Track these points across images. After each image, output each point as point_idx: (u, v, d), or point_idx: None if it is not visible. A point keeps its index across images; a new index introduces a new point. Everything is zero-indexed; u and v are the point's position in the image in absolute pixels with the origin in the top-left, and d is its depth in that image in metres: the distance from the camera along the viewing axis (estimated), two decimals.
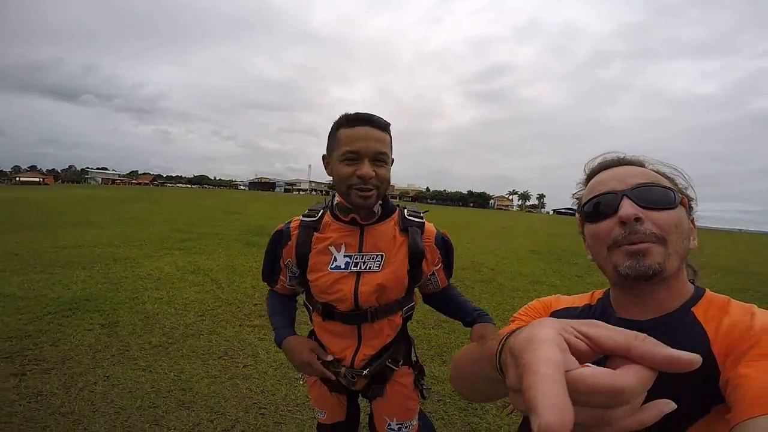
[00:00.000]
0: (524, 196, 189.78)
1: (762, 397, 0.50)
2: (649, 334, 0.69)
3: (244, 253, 7.85)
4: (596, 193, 0.75)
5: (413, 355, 1.39)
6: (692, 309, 0.69)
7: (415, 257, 1.21)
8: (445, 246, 1.29)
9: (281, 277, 1.31)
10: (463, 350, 0.78)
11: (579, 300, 0.89)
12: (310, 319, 1.33)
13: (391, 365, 1.26)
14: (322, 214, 1.25)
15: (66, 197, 25.00)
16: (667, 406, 0.35)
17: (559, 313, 0.87)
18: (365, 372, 1.21)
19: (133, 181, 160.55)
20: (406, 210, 1.27)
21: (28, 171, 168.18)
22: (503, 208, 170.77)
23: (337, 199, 1.20)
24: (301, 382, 1.44)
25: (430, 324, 4.20)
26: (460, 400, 2.73)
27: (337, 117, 1.13)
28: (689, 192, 0.76)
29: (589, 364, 0.34)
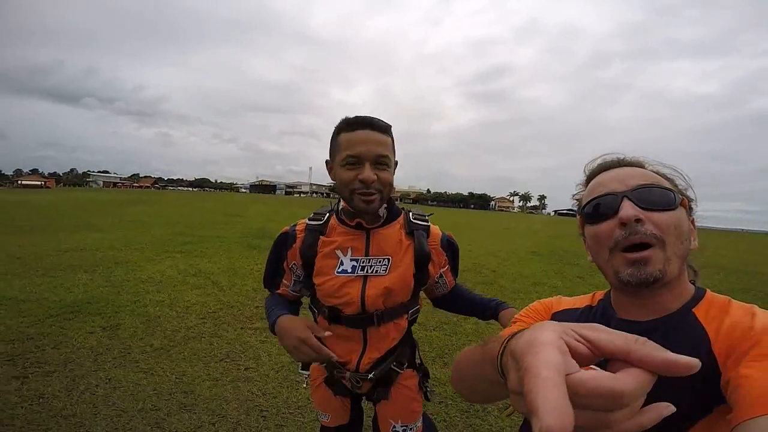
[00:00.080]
0: (525, 198, 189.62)
1: (763, 397, 0.50)
2: (649, 335, 0.69)
3: (245, 255, 7.86)
4: (596, 195, 0.75)
5: (417, 357, 1.39)
6: (693, 310, 0.69)
7: (422, 260, 1.20)
8: (451, 248, 1.30)
9: (284, 280, 1.29)
10: (464, 352, 0.78)
11: (580, 301, 0.89)
12: (315, 322, 1.32)
13: (395, 368, 1.26)
14: (328, 217, 1.24)
15: (67, 200, 25.05)
16: (667, 409, 0.35)
17: (559, 315, 0.87)
18: (370, 375, 1.21)
19: (135, 185, 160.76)
20: (411, 213, 1.26)
21: (29, 174, 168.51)
22: (504, 209, 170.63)
23: (342, 203, 1.20)
24: (304, 385, 1.42)
25: (431, 326, 4.20)
26: (462, 402, 2.73)
27: (337, 119, 1.13)
28: (689, 193, 0.76)
29: (594, 367, 0.34)
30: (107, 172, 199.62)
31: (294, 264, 1.25)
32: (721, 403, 0.58)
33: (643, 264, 0.67)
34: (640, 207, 0.69)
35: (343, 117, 1.13)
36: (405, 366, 1.29)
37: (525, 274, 7.77)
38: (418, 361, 1.38)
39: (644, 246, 0.68)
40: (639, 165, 0.77)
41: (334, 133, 1.14)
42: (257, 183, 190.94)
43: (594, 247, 0.76)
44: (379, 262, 1.17)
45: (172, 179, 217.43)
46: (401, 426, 1.30)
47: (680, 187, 0.76)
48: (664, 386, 0.63)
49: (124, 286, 5.16)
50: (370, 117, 1.10)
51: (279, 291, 1.33)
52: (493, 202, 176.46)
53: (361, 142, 1.07)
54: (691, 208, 0.76)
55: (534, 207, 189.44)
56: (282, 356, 3.36)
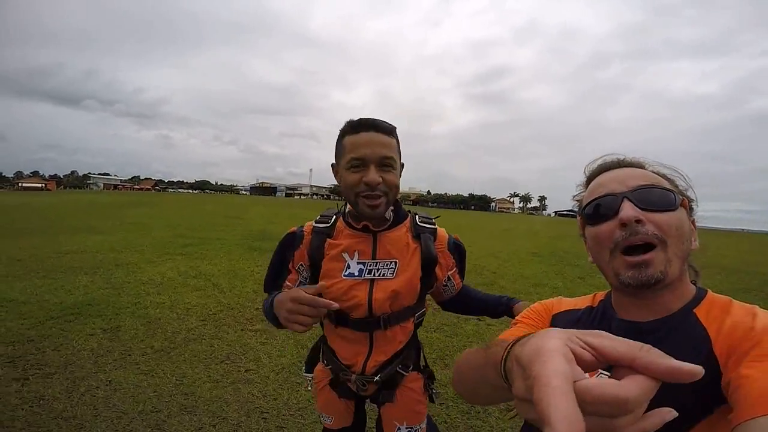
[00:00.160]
0: (525, 199, 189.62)
1: (763, 397, 0.50)
2: (650, 336, 0.70)
3: (245, 257, 7.86)
4: (596, 196, 0.75)
5: (422, 359, 1.38)
6: (694, 310, 0.69)
7: (429, 264, 1.20)
8: (458, 250, 1.30)
9: (288, 282, 1.27)
10: (465, 354, 0.78)
11: (581, 302, 0.89)
12: (321, 325, 1.32)
13: (401, 371, 1.26)
14: (335, 220, 1.23)
15: (68, 203, 25.08)
16: (669, 414, 0.35)
17: (560, 316, 0.87)
18: (376, 378, 1.20)
19: (135, 187, 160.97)
20: (417, 216, 1.26)
21: (30, 177, 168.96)
22: (504, 210, 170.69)
23: (349, 206, 1.20)
24: (309, 388, 1.42)
25: (431, 327, 4.20)
26: (463, 404, 2.72)
27: (337, 121, 1.13)
28: (689, 193, 0.76)
29: (603, 372, 0.34)
30: (108, 174, 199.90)
31: (301, 265, 1.23)
32: (722, 403, 0.58)
33: (644, 266, 0.67)
34: (641, 208, 0.69)
35: (348, 119, 1.13)
36: (410, 368, 1.29)
37: (525, 275, 7.77)
38: (422, 363, 1.38)
39: (645, 247, 0.68)
40: (639, 166, 0.77)
41: (338, 136, 1.14)
42: (257, 185, 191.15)
43: (594, 248, 0.76)
44: (386, 265, 1.16)
45: (173, 181, 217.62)
46: (406, 428, 1.29)
47: (681, 187, 0.76)
48: (665, 387, 0.63)
49: (124, 288, 5.16)
50: (374, 119, 1.10)
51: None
52: (493, 204, 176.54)
53: (365, 144, 1.06)
54: (691, 209, 0.76)
55: (534, 208, 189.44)
56: (282, 358, 3.36)
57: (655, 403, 0.63)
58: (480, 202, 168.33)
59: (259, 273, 6.47)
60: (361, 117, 1.11)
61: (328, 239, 1.20)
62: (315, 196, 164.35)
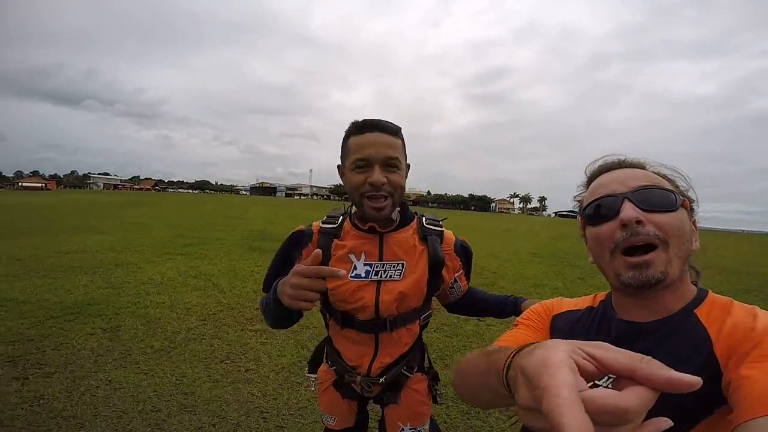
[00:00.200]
0: (525, 199, 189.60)
1: (763, 397, 0.50)
2: (651, 336, 0.70)
3: (245, 257, 7.87)
4: (597, 196, 0.75)
5: (426, 361, 1.38)
6: (695, 311, 0.69)
7: (436, 266, 1.19)
8: (465, 253, 1.29)
9: None
10: (467, 358, 0.78)
11: (581, 302, 0.89)
12: (326, 326, 1.31)
13: (405, 372, 1.25)
14: (342, 221, 1.22)
15: (68, 202, 25.09)
16: (665, 423, 0.36)
17: (560, 317, 0.88)
18: (381, 380, 1.20)
19: (135, 187, 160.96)
20: (424, 218, 1.25)
21: (30, 176, 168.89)
22: (504, 211, 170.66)
23: (355, 207, 1.19)
24: (313, 388, 1.39)
25: (431, 328, 4.20)
26: (463, 404, 2.72)
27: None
28: (690, 194, 0.76)
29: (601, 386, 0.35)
30: (108, 174, 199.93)
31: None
32: (722, 404, 0.58)
33: (644, 267, 0.67)
34: (641, 208, 0.69)
35: (353, 120, 1.12)
36: (415, 370, 1.29)
37: (525, 276, 7.77)
38: (426, 364, 1.38)
39: (646, 248, 0.68)
40: (640, 166, 0.77)
41: (344, 137, 1.13)
42: (257, 185, 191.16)
43: (595, 249, 0.76)
44: (393, 267, 1.16)
45: (173, 181, 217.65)
46: (410, 429, 1.29)
47: (681, 188, 0.76)
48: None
49: (124, 288, 5.16)
50: (378, 119, 1.09)
51: None
52: (493, 204, 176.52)
53: (370, 144, 1.06)
54: (692, 209, 0.76)
55: (534, 208, 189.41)
56: (282, 358, 3.36)
57: (656, 403, 0.63)
58: (480, 203, 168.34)
59: (259, 273, 6.47)
60: (366, 118, 1.10)
61: (335, 240, 1.19)
62: (315, 197, 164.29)
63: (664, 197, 0.70)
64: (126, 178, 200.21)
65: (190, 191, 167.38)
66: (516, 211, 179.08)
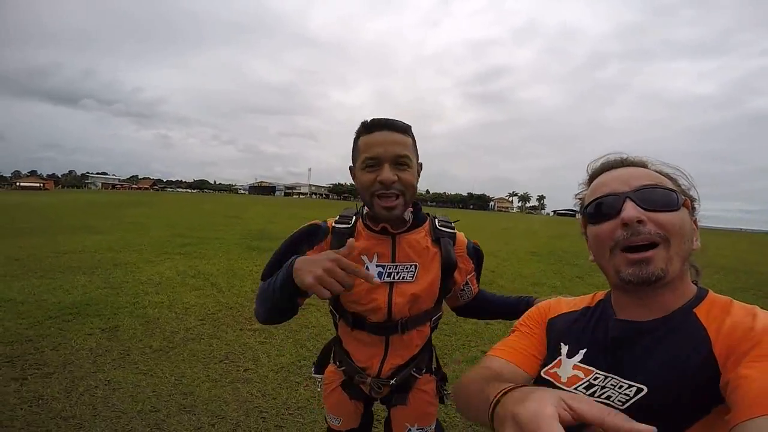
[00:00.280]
0: (524, 198, 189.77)
1: (761, 397, 0.50)
2: (650, 335, 0.70)
3: (244, 257, 7.86)
4: (599, 195, 0.75)
5: (434, 362, 1.37)
6: (694, 310, 0.69)
7: (449, 268, 1.18)
8: (477, 255, 1.29)
9: None
10: (466, 381, 0.80)
11: (579, 302, 0.90)
12: (335, 326, 1.30)
13: (414, 373, 1.25)
14: (355, 221, 1.20)
15: (66, 202, 25.04)
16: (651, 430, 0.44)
17: (556, 320, 0.88)
18: (392, 382, 1.20)
19: (133, 186, 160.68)
20: (437, 220, 1.24)
21: (28, 176, 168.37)
22: (503, 209, 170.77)
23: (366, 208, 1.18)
24: (319, 389, 1.39)
25: None
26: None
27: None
28: (692, 193, 0.76)
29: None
30: (106, 173, 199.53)
31: None
32: (720, 403, 0.58)
33: (645, 263, 0.67)
34: (643, 208, 0.69)
35: (362, 121, 1.11)
36: (423, 371, 1.28)
37: (524, 275, 7.78)
38: (434, 365, 1.37)
39: (647, 246, 0.68)
40: (642, 165, 0.77)
41: (354, 138, 1.13)
42: (256, 184, 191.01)
43: (595, 247, 0.76)
44: (406, 268, 1.14)
45: (171, 181, 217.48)
46: (417, 429, 1.29)
47: (683, 187, 0.76)
48: (665, 387, 0.63)
49: (123, 288, 5.15)
50: (388, 118, 1.08)
51: None
52: (492, 203, 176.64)
53: (379, 143, 1.05)
54: (694, 208, 0.76)
55: (533, 207, 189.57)
56: (281, 357, 3.36)
57: (654, 401, 0.63)
58: (479, 202, 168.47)
59: (257, 272, 6.45)
60: (375, 117, 1.09)
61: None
62: (314, 196, 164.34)
63: (665, 197, 0.70)
64: (124, 178, 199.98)
65: (189, 191, 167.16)
66: (515, 210, 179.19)
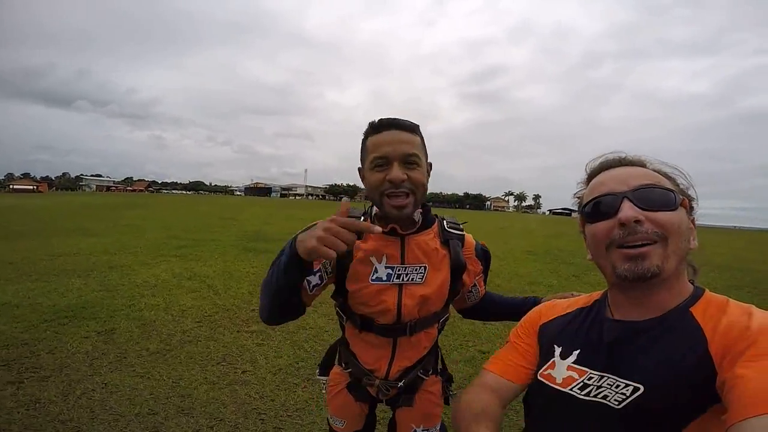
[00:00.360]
0: (520, 197, 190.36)
1: (757, 397, 0.50)
2: (646, 334, 0.71)
3: (240, 258, 7.84)
4: (597, 194, 0.76)
5: (440, 363, 1.37)
6: (690, 309, 0.69)
7: (458, 270, 1.18)
8: (485, 257, 1.29)
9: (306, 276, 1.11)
10: (464, 404, 0.84)
11: (575, 303, 0.91)
12: (342, 328, 1.30)
13: (421, 375, 1.25)
14: (363, 221, 1.15)
15: (60, 205, 24.88)
16: None
17: (549, 324, 0.90)
18: (400, 384, 1.20)
19: (128, 188, 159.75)
20: (445, 221, 1.23)
21: (21, 178, 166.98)
22: (499, 209, 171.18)
23: (376, 208, 1.16)
24: (323, 391, 1.38)
25: None
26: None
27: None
28: (690, 192, 0.76)
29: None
30: (100, 175, 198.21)
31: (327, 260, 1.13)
32: (716, 402, 0.58)
33: (641, 259, 0.68)
34: (640, 207, 0.69)
35: (369, 121, 1.10)
36: (430, 372, 1.28)
37: (521, 274, 7.80)
38: (440, 366, 1.37)
39: (644, 243, 0.68)
40: (641, 164, 0.77)
41: (362, 139, 1.12)
42: (252, 185, 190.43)
43: (592, 246, 0.77)
44: (416, 270, 1.13)
45: (166, 182, 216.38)
46: (422, 430, 1.29)
47: (682, 186, 0.76)
48: (661, 386, 0.64)
49: (118, 291, 5.13)
50: (395, 118, 1.08)
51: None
52: (488, 202, 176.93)
53: (387, 142, 1.04)
54: (692, 208, 0.76)
55: (529, 206, 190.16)
56: (279, 359, 3.35)
57: (651, 402, 0.64)
58: (475, 201, 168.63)
59: (254, 274, 6.46)
60: (382, 117, 1.08)
61: (357, 241, 1.13)
62: (310, 197, 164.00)
63: (663, 196, 0.70)
64: (119, 180, 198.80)
65: (184, 192, 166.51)
66: (511, 210, 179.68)
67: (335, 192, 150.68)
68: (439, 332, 1.29)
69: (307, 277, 1.09)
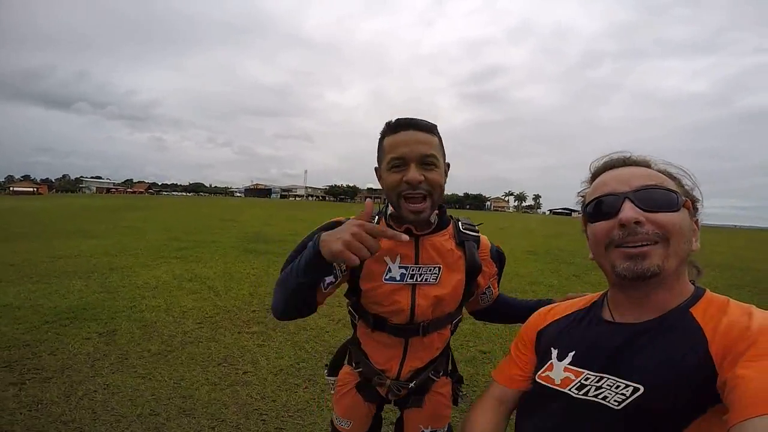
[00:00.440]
0: (520, 197, 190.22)
1: (758, 397, 0.50)
2: (645, 335, 0.72)
3: (241, 260, 7.85)
4: (599, 194, 0.76)
5: (451, 364, 1.37)
6: (691, 309, 0.69)
7: (473, 272, 1.18)
8: (500, 259, 1.29)
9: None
10: (473, 421, 0.90)
11: (574, 305, 0.92)
12: (353, 327, 1.29)
13: (432, 376, 1.24)
14: (377, 220, 1.17)
15: (61, 207, 24.88)
16: None
17: (546, 329, 0.91)
18: (411, 384, 1.19)
19: (128, 190, 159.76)
20: (461, 223, 1.23)
21: (21, 180, 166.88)
22: (499, 209, 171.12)
23: (391, 207, 1.15)
24: (332, 391, 1.37)
25: None
26: (462, 403, 2.73)
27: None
28: (695, 193, 0.76)
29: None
30: (100, 177, 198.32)
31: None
32: (716, 403, 0.58)
33: (640, 258, 0.68)
34: (642, 208, 0.69)
35: (387, 121, 1.10)
36: (441, 374, 1.28)
37: (521, 274, 7.80)
38: (450, 367, 1.37)
39: (644, 245, 0.69)
40: (645, 164, 0.77)
41: (379, 138, 1.11)
42: (252, 187, 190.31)
43: (593, 245, 0.77)
44: (430, 270, 1.12)
45: (166, 184, 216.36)
46: (430, 431, 1.28)
47: (687, 187, 0.76)
48: (661, 386, 0.64)
49: (119, 292, 5.14)
50: (413, 118, 1.07)
51: None
52: (488, 203, 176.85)
53: (405, 143, 1.03)
54: (696, 209, 0.76)
55: (529, 206, 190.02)
56: (280, 360, 3.36)
57: (651, 403, 0.64)
58: (475, 201, 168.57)
59: (255, 275, 6.47)
60: (400, 117, 1.07)
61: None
62: (310, 198, 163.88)
63: (665, 197, 0.70)
64: (119, 182, 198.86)
65: (185, 194, 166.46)
66: (511, 210, 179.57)
67: (335, 193, 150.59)
68: (452, 333, 1.29)
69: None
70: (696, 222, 0.76)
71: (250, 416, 2.54)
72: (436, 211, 1.14)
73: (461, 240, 1.18)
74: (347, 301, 1.25)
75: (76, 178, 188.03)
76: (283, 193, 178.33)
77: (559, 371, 0.79)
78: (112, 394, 2.70)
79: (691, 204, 0.74)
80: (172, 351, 3.44)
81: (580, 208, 0.85)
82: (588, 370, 0.74)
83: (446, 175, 1.11)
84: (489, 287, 1.28)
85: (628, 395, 0.66)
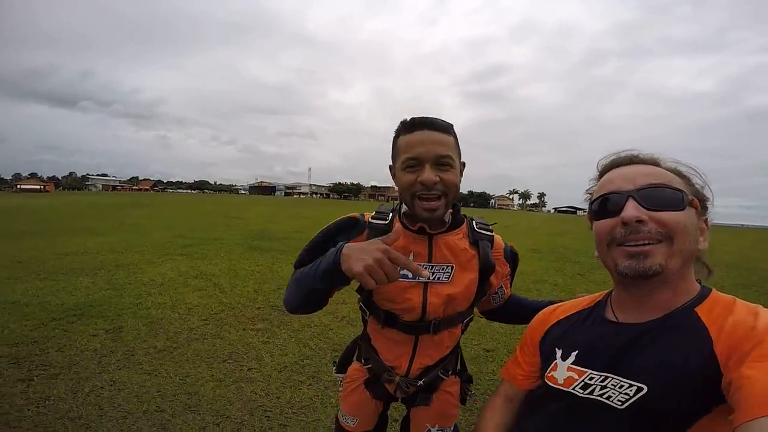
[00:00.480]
0: (525, 195, 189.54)
1: (764, 397, 0.50)
2: (648, 335, 0.72)
3: (246, 257, 7.88)
4: (604, 192, 0.76)
5: (460, 364, 1.37)
6: (696, 309, 0.69)
7: (486, 271, 1.17)
8: (513, 258, 1.28)
9: None
10: (485, 420, 0.93)
11: (578, 304, 0.92)
12: (363, 323, 1.28)
13: (441, 375, 1.24)
14: (391, 218, 1.16)
15: (67, 204, 25.07)
16: None
17: (551, 329, 0.91)
18: (420, 382, 1.19)
19: (134, 188, 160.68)
20: (475, 222, 1.22)
21: (28, 178, 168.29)
22: (504, 207, 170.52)
23: (405, 206, 1.14)
24: (339, 389, 1.37)
25: None
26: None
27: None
28: (705, 191, 0.76)
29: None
30: (106, 175, 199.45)
31: None
32: (720, 403, 0.58)
33: (642, 257, 0.67)
34: (645, 207, 0.69)
35: (402, 119, 1.09)
36: (449, 372, 1.27)
37: (526, 272, 7.77)
38: (459, 367, 1.36)
39: (646, 244, 0.68)
40: (653, 162, 0.76)
41: (394, 137, 1.10)
42: (257, 184, 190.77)
43: (597, 243, 0.77)
44: (442, 269, 1.12)
45: (172, 182, 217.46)
46: (437, 430, 1.28)
47: (697, 186, 0.75)
48: (665, 386, 0.64)
49: (126, 289, 5.18)
50: (428, 117, 1.06)
51: None
52: (492, 201, 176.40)
53: (420, 143, 1.01)
54: (705, 208, 0.75)
55: (533, 205, 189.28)
56: (284, 357, 3.38)
57: (655, 403, 0.64)
58: (479, 200, 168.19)
59: (259, 272, 6.49)
60: (415, 116, 1.06)
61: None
62: (314, 195, 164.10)
63: (670, 196, 0.70)
64: (125, 179, 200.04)
65: (189, 191, 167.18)
66: (515, 208, 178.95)
67: (339, 190, 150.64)
68: (462, 333, 1.29)
69: None
70: (705, 221, 0.75)
71: (254, 413, 2.56)
72: (450, 210, 1.14)
73: (475, 239, 1.17)
74: (358, 296, 1.25)
75: (83, 176, 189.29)
76: (287, 191, 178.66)
77: (563, 371, 0.79)
78: (118, 390, 2.72)
79: (699, 203, 0.73)
80: (178, 348, 3.46)
81: (587, 206, 0.85)
82: (591, 369, 0.74)
83: (462, 174, 1.11)
84: (501, 287, 1.27)
85: (631, 395, 0.66)
